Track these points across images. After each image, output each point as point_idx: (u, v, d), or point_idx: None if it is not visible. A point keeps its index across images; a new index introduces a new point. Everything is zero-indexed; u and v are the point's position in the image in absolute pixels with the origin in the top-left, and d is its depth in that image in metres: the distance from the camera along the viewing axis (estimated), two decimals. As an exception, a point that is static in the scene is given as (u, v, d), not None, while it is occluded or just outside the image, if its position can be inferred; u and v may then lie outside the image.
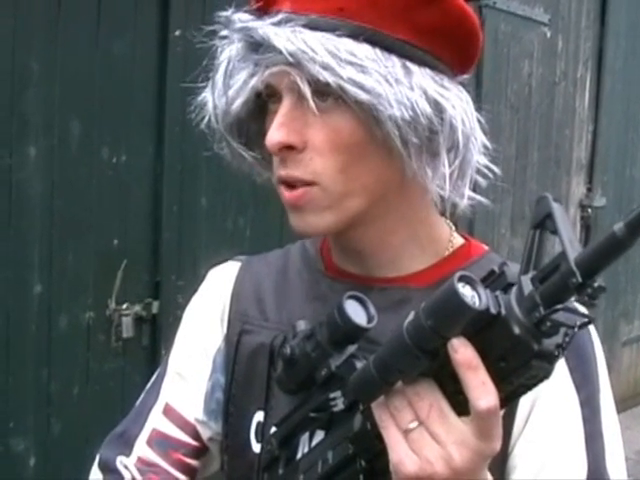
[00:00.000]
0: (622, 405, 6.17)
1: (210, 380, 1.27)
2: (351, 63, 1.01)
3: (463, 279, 0.80)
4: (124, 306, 3.48)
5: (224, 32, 1.09)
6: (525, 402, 1.06)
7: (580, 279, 0.75)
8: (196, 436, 1.27)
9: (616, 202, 6.47)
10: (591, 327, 1.10)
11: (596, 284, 0.75)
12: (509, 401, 0.85)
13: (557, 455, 1.07)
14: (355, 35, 1.02)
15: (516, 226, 5.29)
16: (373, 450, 0.91)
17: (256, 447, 1.20)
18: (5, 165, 3.08)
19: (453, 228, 1.20)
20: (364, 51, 1.02)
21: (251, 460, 1.19)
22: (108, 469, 1.27)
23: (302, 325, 1.04)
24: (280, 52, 1.01)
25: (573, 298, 0.77)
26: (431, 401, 0.84)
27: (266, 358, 1.19)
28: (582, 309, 0.79)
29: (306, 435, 1.09)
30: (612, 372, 6.66)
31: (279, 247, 1.31)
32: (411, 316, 0.83)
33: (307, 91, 1.02)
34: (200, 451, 1.28)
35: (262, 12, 1.07)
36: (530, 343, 0.78)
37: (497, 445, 0.85)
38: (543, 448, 1.07)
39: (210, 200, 3.74)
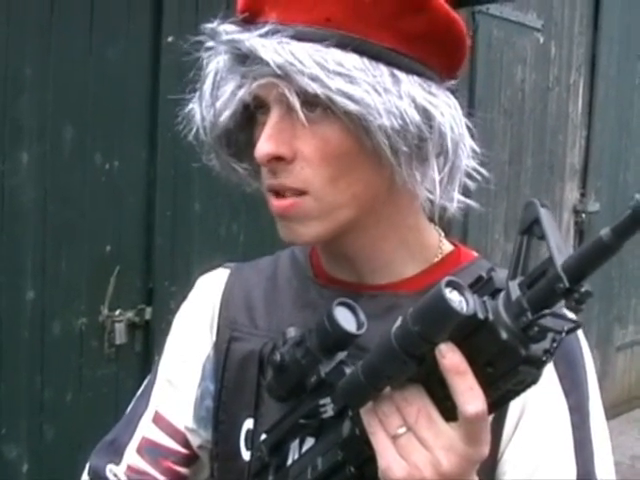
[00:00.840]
0: (616, 410, 6.18)
1: (199, 388, 1.26)
2: (339, 74, 1.01)
3: (450, 284, 0.80)
4: (117, 312, 3.47)
5: (210, 43, 1.09)
6: (514, 408, 1.06)
7: (567, 284, 0.75)
8: (186, 444, 1.26)
9: (610, 207, 6.48)
10: (580, 333, 1.10)
11: (583, 289, 0.75)
12: (497, 406, 0.85)
13: (546, 461, 1.06)
14: (342, 45, 1.02)
15: (510, 231, 5.30)
16: (362, 456, 0.91)
17: (246, 455, 1.20)
18: (-2, 171, 3.08)
19: (442, 234, 1.20)
20: (352, 61, 1.02)
21: (241, 468, 1.19)
22: (98, 477, 1.27)
23: (292, 332, 1.04)
24: (268, 64, 1.01)
25: (561, 303, 0.77)
26: (419, 406, 0.84)
27: (256, 365, 1.18)
28: (570, 314, 0.79)
29: (296, 442, 1.09)
30: (606, 377, 6.68)
31: (272, 253, 1.31)
32: (399, 321, 0.83)
33: (296, 103, 1.02)
34: (190, 459, 1.27)
35: (248, 23, 1.07)
36: (518, 348, 0.78)
37: (485, 450, 0.84)
38: (532, 454, 1.07)
39: (203, 206, 3.74)
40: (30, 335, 3.22)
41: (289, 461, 1.07)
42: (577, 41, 6.12)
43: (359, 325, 0.99)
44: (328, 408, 0.97)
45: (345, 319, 0.98)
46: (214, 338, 1.26)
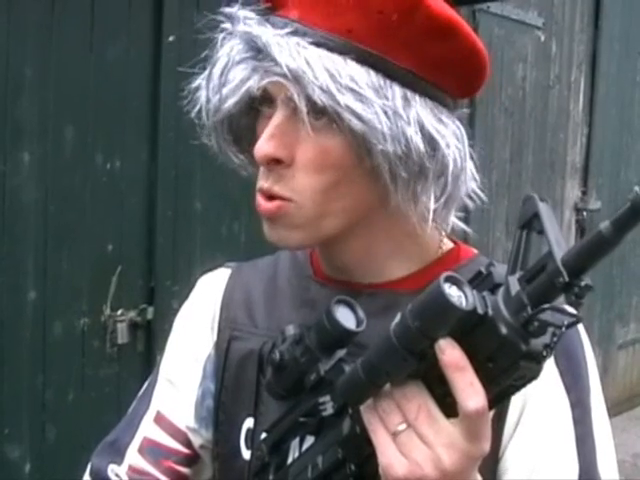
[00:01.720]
0: (618, 408, 6.18)
1: (200, 387, 1.26)
2: (351, 90, 0.99)
3: (449, 280, 0.80)
4: (119, 312, 3.47)
5: (227, 25, 1.07)
6: (515, 404, 1.06)
7: (567, 278, 0.74)
8: (187, 444, 1.26)
9: (611, 205, 6.47)
10: (580, 328, 1.09)
11: (583, 283, 0.75)
12: (498, 402, 0.85)
13: (548, 457, 1.06)
14: (360, 59, 1.01)
15: (511, 229, 5.29)
16: (362, 454, 0.91)
17: (246, 454, 1.19)
18: (-1, 171, 3.08)
19: (443, 233, 1.19)
20: (366, 78, 1.00)
21: (241, 467, 1.19)
22: (99, 478, 1.26)
23: (291, 330, 1.04)
24: (280, 65, 1.00)
25: (561, 298, 0.77)
26: (419, 403, 0.84)
27: (255, 364, 1.18)
28: (570, 309, 0.79)
29: (296, 440, 1.08)
30: (608, 375, 6.68)
31: (273, 252, 1.31)
32: (398, 318, 0.82)
33: (304, 109, 1.00)
34: (191, 459, 1.27)
35: (269, 12, 1.05)
36: (518, 343, 0.78)
37: (486, 447, 0.84)
38: (534, 450, 1.07)
39: (204, 205, 3.74)
40: (32, 335, 3.21)
41: (289, 460, 1.07)
42: (578, 39, 6.11)
43: (358, 322, 0.98)
44: (328, 406, 0.97)
45: (344, 317, 0.98)
46: (215, 338, 1.26)
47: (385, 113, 0.99)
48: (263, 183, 1.07)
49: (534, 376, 0.82)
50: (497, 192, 5.20)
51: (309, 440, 1.04)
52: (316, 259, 1.23)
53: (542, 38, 5.67)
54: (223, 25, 1.08)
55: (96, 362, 3.44)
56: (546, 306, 0.77)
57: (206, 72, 1.11)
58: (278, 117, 1.04)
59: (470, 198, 1.12)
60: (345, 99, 0.98)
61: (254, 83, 1.03)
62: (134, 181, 3.51)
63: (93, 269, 3.39)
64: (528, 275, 0.79)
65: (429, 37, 1.02)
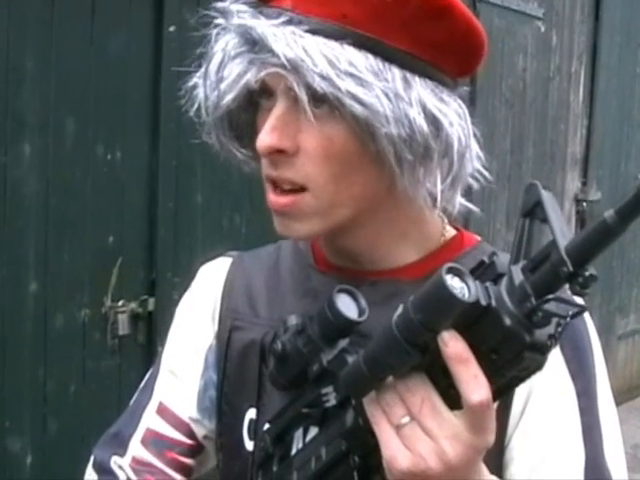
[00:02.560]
0: (618, 399, 6.13)
1: (202, 378, 1.26)
2: (350, 75, 0.99)
3: (451, 271, 0.79)
4: (120, 303, 3.47)
5: (220, 21, 1.07)
6: (521, 394, 1.06)
7: (571, 268, 0.74)
8: (191, 435, 1.26)
9: (611, 196, 6.46)
10: (587, 316, 1.09)
11: (587, 273, 0.74)
12: (502, 394, 0.85)
13: (554, 446, 1.06)
14: (357, 44, 1.00)
15: (511, 221, 5.29)
16: (366, 446, 0.91)
17: (249, 445, 1.19)
18: (0, 163, 3.07)
19: (446, 220, 1.19)
20: (365, 62, 1.00)
21: (245, 458, 1.19)
22: (103, 470, 1.26)
23: (293, 320, 1.03)
24: (278, 56, 0.99)
25: (565, 287, 0.76)
26: (423, 396, 0.83)
27: (257, 355, 1.18)
28: (575, 298, 0.78)
29: (300, 431, 1.08)
30: (608, 366, 6.61)
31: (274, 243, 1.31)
32: (400, 310, 0.82)
33: (304, 98, 1.00)
34: (195, 450, 1.27)
35: (262, 5, 1.05)
36: (522, 334, 0.78)
37: (491, 439, 0.84)
38: (540, 440, 1.07)
39: (206, 197, 3.73)
40: (33, 327, 3.21)
41: (293, 451, 1.07)
42: (578, 30, 6.10)
43: (360, 312, 0.98)
44: (331, 397, 0.97)
45: (346, 306, 0.98)
46: (216, 328, 1.26)
47: (386, 96, 0.99)
48: (272, 172, 1.07)
49: (538, 367, 0.82)
50: (497, 183, 5.20)
51: (313, 431, 1.04)
52: (318, 248, 1.22)
53: (542, 29, 5.66)
54: (216, 21, 1.07)
55: (97, 354, 3.44)
56: (550, 296, 0.76)
57: (202, 70, 1.10)
58: (279, 108, 1.04)
59: (475, 179, 1.12)
60: (345, 84, 0.98)
61: (252, 76, 1.03)
62: (135, 173, 3.50)
63: (94, 261, 3.38)
64: (531, 265, 0.79)
65: (424, 18, 1.02)
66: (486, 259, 0.85)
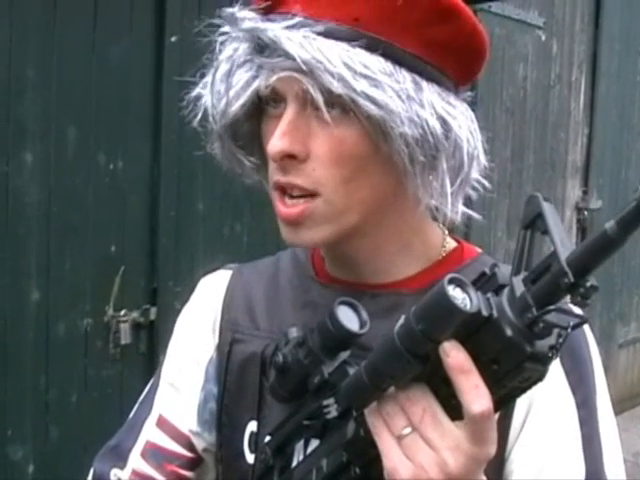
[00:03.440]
0: (619, 407, 6.17)
1: (203, 391, 1.26)
2: (365, 76, 0.99)
3: (453, 281, 0.79)
4: (122, 312, 3.47)
5: (226, 28, 1.06)
6: (521, 406, 1.06)
7: (572, 279, 0.74)
8: (190, 447, 1.26)
9: (612, 204, 6.46)
10: (586, 328, 1.09)
11: (589, 283, 0.74)
12: (503, 404, 0.84)
13: (554, 458, 1.06)
14: (369, 47, 1.01)
15: (512, 229, 5.29)
16: (367, 457, 0.91)
17: (250, 457, 1.19)
18: (2, 172, 3.08)
19: (446, 232, 1.19)
20: (378, 64, 1.00)
21: (245, 471, 1.19)
22: None
23: (294, 332, 1.04)
24: (293, 58, 0.99)
25: (566, 298, 0.77)
26: (424, 406, 0.84)
27: (258, 367, 1.18)
28: (575, 309, 0.79)
29: (301, 443, 1.08)
30: (609, 374, 6.65)
31: (276, 252, 1.31)
32: (402, 320, 0.82)
33: (320, 100, 1.00)
34: (195, 462, 1.26)
35: (268, 12, 1.05)
36: (523, 345, 0.78)
37: (492, 450, 0.84)
38: (540, 452, 1.06)
39: (207, 206, 3.74)
40: (35, 336, 3.22)
41: (294, 463, 1.07)
42: (578, 39, 6.11)
43: (362, 324, 0.98)
44: (332, 409, 0.97)
45: (347, 318, 0.98)
46: (216, 340, 1.26)
47: (399, 97, 1.00)
48: (280, 178, 1.06)
49: (540, 378, 0.82)
50: (498, 191, 5.20)
51: (314, 443, 1.05)
52: (317, 259, 1.22)
53: (543, 38, 5.67)
54: (222, 29, 1.07)
55: (99, 363, 3.44)
56: (551, 307, 0.77)
57: (208, 78, 1.10)
58: (289, 113, 1.04)
59: (474, 188, 1.12)
60: (360, 85, 0.99)
61: (262, 81, 1.03)
62: (137, 182, 3.51)
63: (96, 270, 3.39)
64: (533, 276, 0.79)
65: (433, 20, 1.03)
66: (487, 270, 0.85)
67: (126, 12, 3.42)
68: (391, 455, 0.85)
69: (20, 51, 3.09)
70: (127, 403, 1.40)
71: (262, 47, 1.02)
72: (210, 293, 1.29)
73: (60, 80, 3.21)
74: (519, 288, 0.79)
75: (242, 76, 1.04)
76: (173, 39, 3.47)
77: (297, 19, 1.01)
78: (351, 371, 0.93)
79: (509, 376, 0.81)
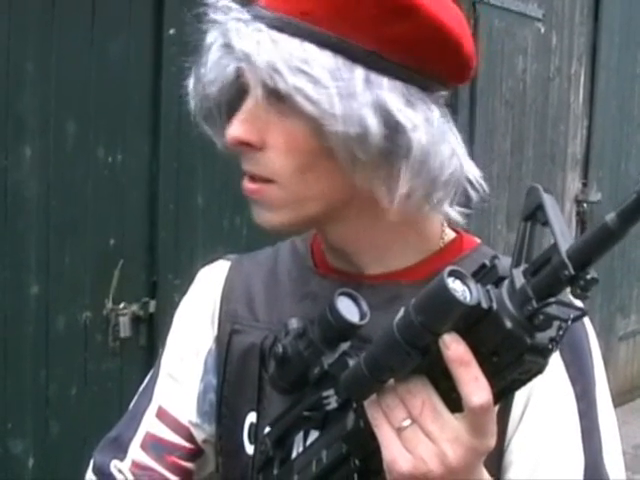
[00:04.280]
0: (619, 400, 6.18)
1: (202, 382, 1.26)
2: (303, 71, 0.99)
3: (453, 274, 0.79)
4: (121, 306, 3.48)
5: (212, 16, 1.08)
6: (520, 398, 1.06)
7: (572, 271, 0.74)
8: (190, 438, 1.26)
9: (612, 197, 6.47)
10: (586, 320, 1.08)
11: (589, 276, 0.74)
12: (503, 396, 0.85)
13: (553, 451, 1.06)
14: (319, 42, 1.01)
15: (512, 222, 5.29)
16: (367, 449, 0.91)
17: (250, 449, 1.19)
18: (1, 166, 3.08)
19: (445, 223, 1.18)
20: (322, 60, 1.00)
21: (245, 462, 1.19)
22: (102, 474, 1.26)
23: (294, 323, 1.04)
24: (234, 50, 1.02)
25: (566, 290, 0.77)
26: (424, 398, 0.84)
27: (257, 358, 1.18)
28: (576, 302, 0.78)
29: (300, 435, 1.08)
30: (609, 367, 6.66)
31: (274, 245, 1.31)
32: (401, 312, 0.82)
33: (259, 93, 1.02)
34: (195, 453, 1.27)
35: (248, 1, 1.07)
36: (523, 337, 0.78)
37: (492, 442, 0.84)
38: (539, 444, 1.06)
39: (206, 199, 3.74)
40: (34, 330, 3.22)
41: (294, 454, 1.07)
42: (578, 31, 6.10)
43: (362, 315, 0.98)
44: (332, 400, 0.97)
45: (347, 309, 0.98)
46: (215, 331, 1.26)
47: (339, 94, 0.99)
48: (244, 165, 1.09)
49: (540, 370, 0.82)
50: (498, 185, 5.20)
51: (313, 434, 1.05)
52: (317, 250, 1.22)
53: (542, 30, 5.66)
54: (208, 17, 1.09)
55: (99, 356, 3.45)
56: (551, 300, 0.77)
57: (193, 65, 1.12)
58: (249, 102, 1.06)
59: (474, 189, 1.11)
60: (296, 81, 0.99)
61: (230, 70, 1.06)
62: (136, 175, 3.51)
63: (95, 263, 3.39)
64: (533, 268, 0.79)
65: (386, 17, 1.01)
66: (487, 262, 0.85)
67: (124, 6, 3.42)
68: (391, 447, 0.85)
69: (19, 46, 3.09)
70: (127, 396, 1.40)
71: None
72: (209, 284, 1.29)
73: (59, 75, 3.21)
74: (519, 280, 0.79)
75: (218, 63, 1.07)
76: (171, 32, 3.47)
77: (253, 13, 1.04)
78: (351, 362, 0.93)
79: (509, 368, 0.81)
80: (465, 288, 0.79)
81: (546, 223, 0.80)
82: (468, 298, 0.78)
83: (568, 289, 0.76)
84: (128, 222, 3.50)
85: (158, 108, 3.51)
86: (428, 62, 1.04)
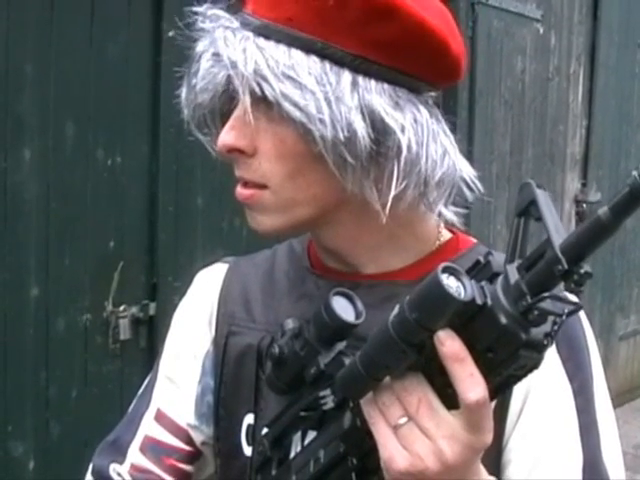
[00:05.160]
0: (619, 399, 6.18)
1: (200, 384, 1.26)
2: (289, 77, 1.01)
3: (447, 270, 0.79)
4: (121, 308, 3.48)
5: (201, 25, 1.09)
6: (518, 395, 1.06)
7: (566, 266, 0.74)
8: (189, 441, 1.26)
9: (611, 197, 6.43)
10: (582, 315, 1.09)
11: (583, 270, 0.74)
12: (499, 392, 0.85)
13: (552, 447, 1.06)
14: (305, 48, 1.02)
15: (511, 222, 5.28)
16: (364, 447, 0.91)
17: (247, 450, 1.19)
18: (0, 168, 3.07)
19: (441, 223, 1.18)
20: (308, 65, 1.01)
21: (243, 463, 1.19)
22: (101, 477, 1.26)
23: (290, 323, 1.04)
24: (222, 58, 1.03)
25: (560, 285, 0.77)
26: (420, 395, 0.84)
27: (254, 359, 1.18)
28: (570, 297, 0.78)
29: (298, 435, 1.08)
30: (609, 366, 6.67)
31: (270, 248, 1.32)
32: (396, 310, 0.82)
33: (247, 100, 1.02)
34: (194, 456, 1.27)
35: (238, 8, 1.08)
36: (518, 333, 0.78)
37: (488, 438, 0.84)
38: (538, 441, 1.07)
39: (206, 201, 3.74)
40: (35, 332, 3.22)
41: (291, 454, 1.07)
42: (577, 31, 6.10)
43: (357, 314, 0.99)
44: (328, 400, 0.97)
45: (343, 309, 0.98)
46: (213, 334, 1.26)
47: (326, 99, 1.00)
48: (237, 172, 1.11)
49: (535, 365, 0.82)
50: (497, 184, 5.20)
51: (311, 434, 1.05)
52: (314, 252, 1.23)
53: (541, 30, 5.66)
54: (198, 26, 1.10)
55: (99, 358, 3.45)
56: (546, 294, 0.77)
57: (185, 76, 1.13)
58: (239, 109, 1.07)
59: (468, 186, 1.11)
60: (282, 87, 1.00)
61: (220, 78, 1.06)
62: (135, 177, 3.51)
63: (95, 265, 3.39)
64: (527, 263, 0.79)
65: (371, 20, 1.02)
66: (482, 259, 0.85)
67: (123, 7, 3.42)
68: (388, 445, 0.85)
69: (18, 46, 3.09)
70: (127, 398, 1.40)
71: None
72: (206, 287, 1.30)
73: (58, 76, 3.21)
74: (513, 276, 0.79)
75: (209, 70, 1.07)
76: (171, 34, 3.46)
77: (240, 20, 1.05)
78: (347, 362, 0.93)
79: (504, 364, 0.81)
80: (459, 284, 0.79)
81: (539, 218, 0.80)
82: (462, 294, 0.79)
83: (562, 284, 0.77)
84: (127, 224, 3.50)
85: (157, 110, 3.51)
86: (414, 63, 1.05)
